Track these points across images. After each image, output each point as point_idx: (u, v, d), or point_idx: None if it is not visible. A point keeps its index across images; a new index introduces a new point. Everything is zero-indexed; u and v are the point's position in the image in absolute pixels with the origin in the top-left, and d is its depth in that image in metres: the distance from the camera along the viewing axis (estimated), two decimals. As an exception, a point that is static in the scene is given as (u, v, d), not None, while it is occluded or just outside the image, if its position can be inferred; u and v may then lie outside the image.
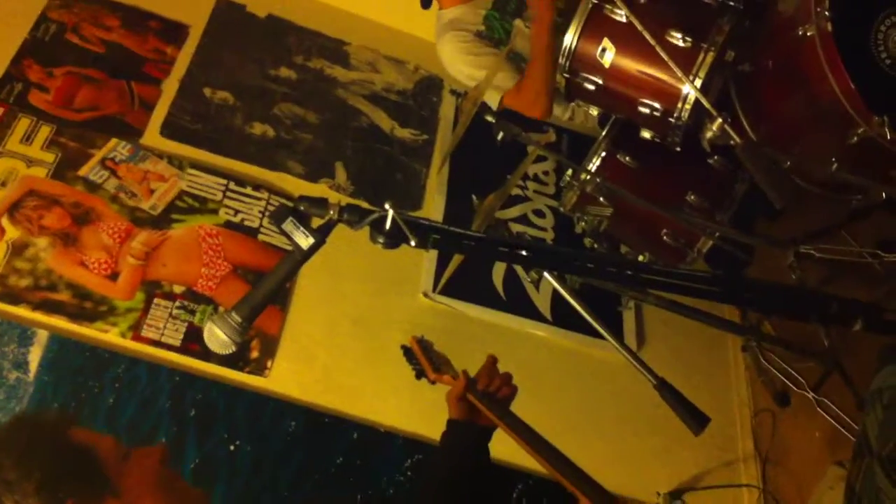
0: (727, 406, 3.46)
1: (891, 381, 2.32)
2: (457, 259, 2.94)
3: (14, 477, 1.18)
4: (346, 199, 3.46)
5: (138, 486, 1.25)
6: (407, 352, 2.19)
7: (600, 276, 1.54)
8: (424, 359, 2.13)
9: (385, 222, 1.30)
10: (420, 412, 2.99)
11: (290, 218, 1.29)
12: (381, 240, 1.30)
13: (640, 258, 2.93)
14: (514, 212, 3.63)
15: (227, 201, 3.23)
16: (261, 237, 3.19)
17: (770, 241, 2.56)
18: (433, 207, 3.53)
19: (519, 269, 3.39)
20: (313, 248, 1.30)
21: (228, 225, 3.18)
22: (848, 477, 2.45)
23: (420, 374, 2.14)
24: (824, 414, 2.81)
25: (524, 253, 1.39)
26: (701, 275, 1.44)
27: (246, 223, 3.20)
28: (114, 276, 2.93)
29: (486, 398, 1.85)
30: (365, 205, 3.15)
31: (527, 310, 3.35)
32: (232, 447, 2.75)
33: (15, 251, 2.87)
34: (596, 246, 2.82)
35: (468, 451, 1.85)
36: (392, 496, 1.52)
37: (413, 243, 1.27)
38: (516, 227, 3.56)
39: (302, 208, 1.31)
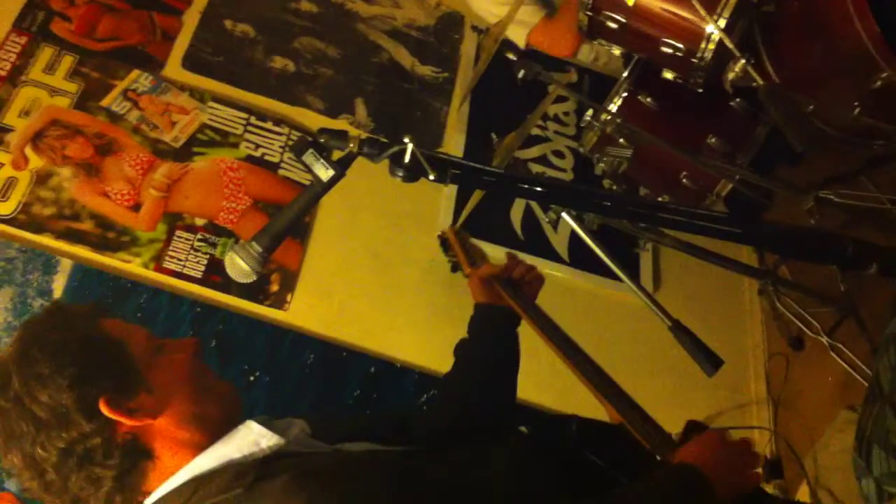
0: (741, 349, 3.48)
1: (905, 326, 2.33)
2: (476, 197, 2.95)
3: (47, 371, 1.17)
4: (366, 135, 3.49)
5: (171, 380, 1.26)
6: (443, 242, 2.14)
7: (618, 214, 1.54)
8: (461, 251, 2.09)
9: (404, 156, 1.31)
10: (436, 348, 3.01)
11: (311, 150, 1.31)
12: (400, 173, 1.31)
13: (661, 199, 2.93)
14: (533, 152, 3.62)
15: (247, 135, 3.24)
16: (281, 172, 3.20)
17: (790, 185, 2.55)
18: (453, 145, 3.53)
19: (537, 209, 3.40)
20: (333, 181, 1.31)
21: (249, 159, 3.19)
22: (859, 420, 2.48)
23: (455, 268, 2.11)
24: (837, 358, 2.82)
25: (542, 189, 1.41)
26: (718, 215, 1.45)
27: (266, 158, 3.22)
28: (136, 208, 2.96)
29: (510, 289, 1.86)
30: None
31: (544, 250, 3.36)
32: (252, 377, 2.80)
33: (39, 180, 2.90)
34: (615, 188, 2.82)
35: (498, 333, 1.88)
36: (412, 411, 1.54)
37: (432, 177, 1.28)
38: (536, 168, 3.56)
39: (322, 140, 1.33)
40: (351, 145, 1.32)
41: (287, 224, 1.35)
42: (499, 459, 1.39)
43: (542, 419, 1.72)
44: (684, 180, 2.73)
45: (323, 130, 1.33)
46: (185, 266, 2.91)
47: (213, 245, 2.97)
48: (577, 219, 2.61)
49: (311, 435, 1.30)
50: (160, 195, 3.00)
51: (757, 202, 2.55)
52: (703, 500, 1.25)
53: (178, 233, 2.96)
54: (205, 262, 2.93)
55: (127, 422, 1.19)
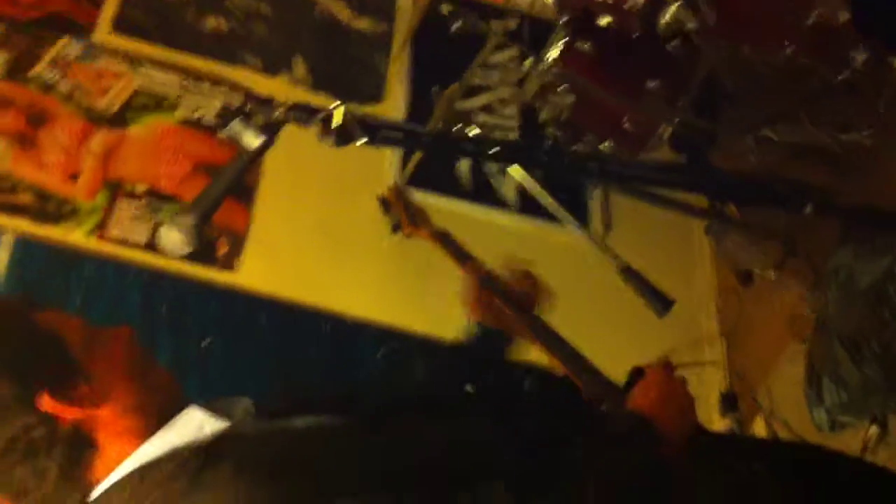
0: (692, 286, 3.53)
1: (846, 259, 2.37)
2: (415, 157, 2.95)
3: None
4: (304, 93, 3.45)
5: (109, 370, 1.23)
6: (384, 203, 2.11)
7: (559, 168, 1.54)
8: (403, 210, 2.06)
9: (333, 119, 1.28)
10: (390, 302, 3.03)
11: (238, 118, 1.28)
12: (330, 139, 1.29)
13: (604, 145, 2.93)
14: (478, 101, 3.59)
15: (184, 98, 3.18)
16: (221, 134, 3.14)
17: (729, 125, 2.56)
18: (395, 99, 3.49)
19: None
20: (262, 148, 1.29)
21: (187, 123, 3.13)
22: (808, 353, 2.54)
23: (396, 227, 2.08)
24: (784, 293, 2.87)
25: (475, 148, 1.39)
26: (652, 165, 1.45)
27: (205, 120, 3.16)
28: (74, 177, 2.91)
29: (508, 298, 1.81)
30: (324, 99, 3.14)
31: (492, 198, 3.36)
32: (204, 343, 2.77)
33: (-28, 155, 2.84)
34: (559, 135, 2.81)
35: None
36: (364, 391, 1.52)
37: (361, 142, 1.26)
38: (482, 118, 3.53)
39: (249, 109, 1.30)
40: (278, 112, 1.29)
41: (219, 194, 1.32)
42: (443, 425, 1.39)
43: (493, 373, 1.71)
44: (626, 125, 2.72)
45: (249, 98, 1.30)
46: (128, 234, 2.86)
47: (157, 211, 2.93)
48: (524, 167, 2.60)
49: (254, 413, 1.29)
50: (98, 163, 2.94)
51: (700, 142, 2.56)
52: (654, 444, 1.27)
53: (118, 201, 2.91)
54: (149, 228, 2.89)
55: (69, 412, 1.17)
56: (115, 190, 2.93)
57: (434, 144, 1.39)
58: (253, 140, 1.28)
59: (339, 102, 1.28)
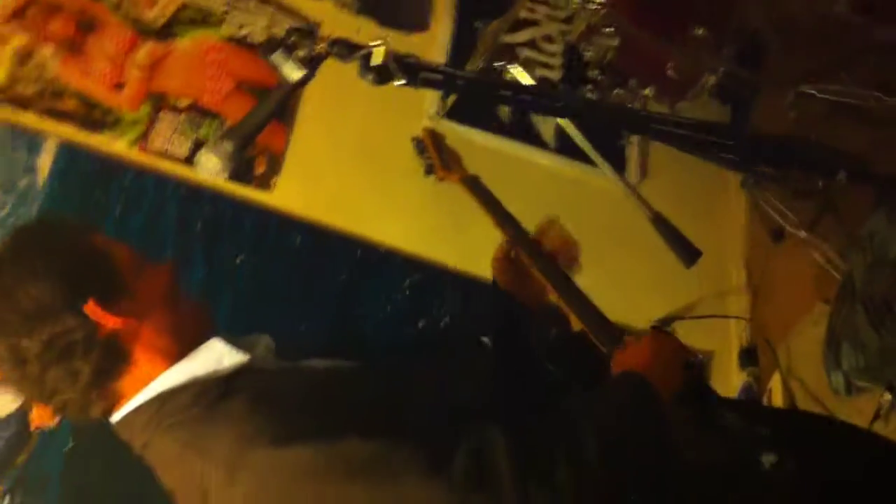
0: (724, 238, 3.53)
1: (880, 226, 2.36)
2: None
3: (40, 267, 1.22)
4: (350, 16, 3.43)
5: (151, 293, 1.31)
6: (418, 144, 2.11)
7: (593, 120, 1.54)
8: (435, 153, 2.07)
9: (374, 57, 1.30)
10: (420, 234, 3.06)
11: (280, 50, 1.30)
12: (369, 76, 1.30)
13: (646, 91, 2.91)
14: (522, 36, 3.56)
15: (230, 15, 3.18)
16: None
17: (772, 79, 2.54)
18: (440, 30, 3.47)
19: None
20: (302, 81, 1.31)
21: (232, 40, 3.15)
22: (830, 316, 2.54)
23: (430, 170, 2.08)
24: (814, 253, 2.86)
25: (516, 95, 1.41)
26: (687, 123, 1.45)
27: (250, 38, 3.17)
28: (120, 87, 2.94)
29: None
30: (370, 24, 3.10)
31: (530, 136, 3.36)
32: (238, 260, 2.84)
33: (21, 58, 2.87)
34: (601, 78, 2.79)
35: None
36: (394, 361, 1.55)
37: (400, 83, 1.28)
38: (524, 53, 3.51)
39: (292, 40, 1.32)
40: (321, 45, 1.31)
41: (259, 124, 1.35)
42: (455, 372, 1.44)
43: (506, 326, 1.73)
44: (670, 71, 2.71)
45: (292, 30, 1.32)
46: (169, 147, 2.91)
47: (198, 126, 2.97)
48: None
49: (275, 352, 1.35)
50: (143, 74, 2.97)
51: (742, 94, 2.54)
52: (644, 397, 1.29)
53: (161, 113, 2.95)
54: (189, 143, 2.93)
55: (110, 322, 1.24)
56: (159, 102, 2.96)
57: (474, 89, 1.39)
58: (294, 72, 1.30)
59: (380, 41, 1.29)
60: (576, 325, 1.57)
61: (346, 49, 1.32)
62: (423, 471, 1.10)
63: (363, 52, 1.30)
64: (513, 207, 1.96)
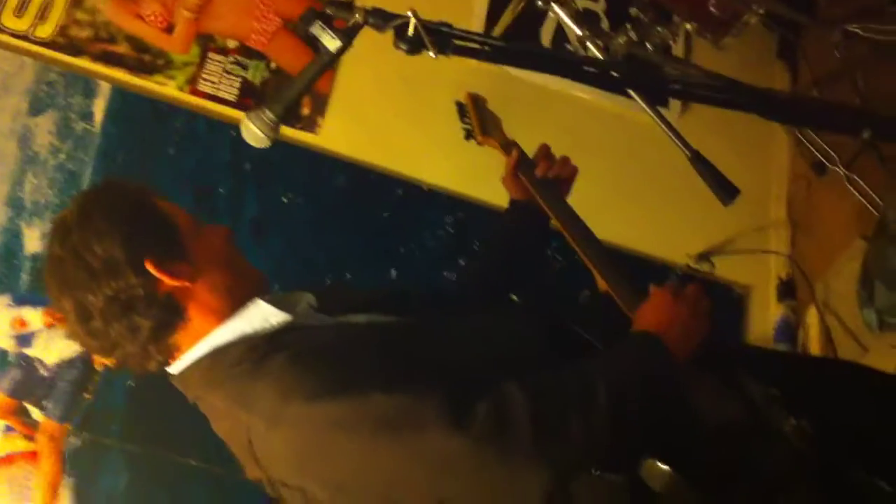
0: (765, 171, 3.53)
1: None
2: (508, 15, 2.95)
3: (104, 227, 1.32)
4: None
5: (208, 255, 1.40)
6: (460, 108, 2.16)
7: (628, 86, 1.58)
8: (476, 118, 2.12)
9: (408, 28, 1.36)
10: (462, 172, 3.11)
11: (318, 21, 1.36)
12: (403, 46, 1.37)
13: (688, 27, 2.90)
14: (565, -29, 3.54)
15: (277, -47, 3.22)
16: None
17: (816, 18, 2.52)
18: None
19: (568, 29, 3.37)
20: (341, 51, 1.38)
21: (278, -22, 3.19)
22: (864, 255, 2.57)
23: (469, 135, 2.12)
24: (853, 190, 2.87)
25: (544, 59, 1.46)
26: (711, 83, 1.49)
27: (296, -24, 3.21)
28: (169, 29, 3.01)
29: (543, 186, 1.87)
30: None
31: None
32: (286, 200, 2.92)
33: (74, 2, 2.95)
34: (642, 16, 2.79)
35: (524, 231, 1.95)
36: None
37: (431, 54, 1.34)
38: (569, -16, 3.49)
39: (329, 12, 1.38)
40: (357, 16, 1.37)
41: (299, 93, 1.43)
42: (486, 325, 1.52)
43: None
44: (712, 8, 2.70)
45: (329, 2, 1.38)
46: (219, 89, 2.99)
47: (245, 67, 3.04)
48: (604, 49, 2.62)
49: (316, 309, 1.44)
50: (192, 16, 3.04)
51: (785, 34, 2.53)
52: (659, 358, 1.37)
53: (210, 55, 3.02)
54: (238, 84, 3.01)
55: (168, 280, 1.34)
56: (207, 44, 3.03)
57: (509, 55, 1.45)
58: (332, 42, 1.37)
59: (410, 13, 1.35)
60: (601, 284, 1.63)
61: (381, 19, 1.38)
62: (445, 424, 1.18)
63: (398, 21, 1.36)
64: (551, 144, 2.01)
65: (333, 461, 1.24)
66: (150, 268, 1.32)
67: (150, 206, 1.40)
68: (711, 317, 1.48)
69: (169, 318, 1.36)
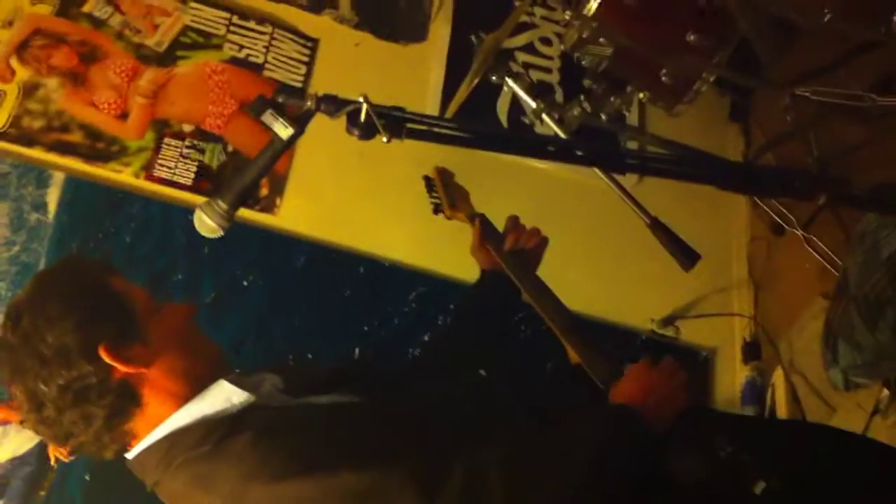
0: (724, 233, 3.57)
1: (872, 226, 2.40)
2: (461, 93, 2.96)
3: (55, 314, 1.28)
4: (349, 30, 3.45)
5: (164, 336, 1.37)
6: (428, 182, 2.18)
7: (584, 161, 1.59)
8: (444, 192, 2.14)
9: (360, 114, 1.35)
10: (424, 246, 3.11)
11: (269, 109, 1.35)
12: (355, 132, 1.36)
13: (641, 95, 2.94)
14: (520, 40, 3.61)
15: (230, 36, 3.24)
16: (266, 72, 3.21)
17: (765, 82, 2.56)
18: (438, 38, 3.51)
19: (525, 102, 3.41)
20: (292, 139, 1.37)
21: (233, 61, 3.20)
22: (826, 314, 2.58)
23: (437, 209, 2.15)
24: (812, 252, 2.90)
25: (500, 139, 1.46)
26: (667, 157, 1.50)
27: (251, 59, 3.22)
28: (124, 116, 3.00)
29: (512, 258, 1.90)
30: (368, 37, 3.09)
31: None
32: (245, 282, 2.90)
33: (26, 92, 2.94)
34: (595, 87, 2.82)
35: (493, 300, 1.95)
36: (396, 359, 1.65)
37: (384, 139, 1.33)
38: (522, 57, 3.55)
39: (280, 99, 1.37)
40: (308, 103, 1.36)
41: (251, 181, 1.40)
42: (456, 397, 1.49)
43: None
44: (664, 78, 2.73)
45: (281, 89, 1.37)
46: (175, 174, 2.97)
47: (202, 151, 3.03)
48: (559, 121, 2.64)
49: (281, 389, 1.41)
50: (147, 102, 3.03)
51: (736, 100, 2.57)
52: (636, 431, 1.35)
53: (166, 140, 3.01)
54: (194, 168, 2.99)
55: (122, 367, 1.30)
56: (163, 129, 3.02)
57: (464, 137, 1.45)
58: (284, 130, 1.36)
59: (362, 98, 1.34)
60: (572, 356, 1.63)
61: (333, 105, 1.37)
62: (416, 499, 1.16)
63: (350, 108, 1.35)
64: (509, 209, 2.02)
65: None
66: (103, 355, 1.29)
67: (105, 287, 1.37)
68: (688, 388, 1.49)
69: (124, 405, 1.32)
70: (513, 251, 1.91)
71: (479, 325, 1.92)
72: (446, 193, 2.11)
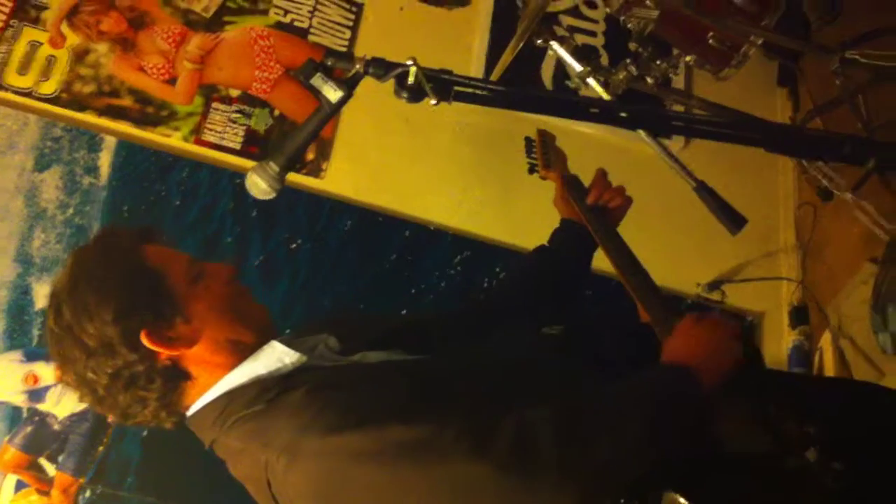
0: (772, 198, 3.52)
1: (923, 189, 2.36)
2: (506, 56, 2.96)
3: (93, 302, 1.28)
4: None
5: (207, 308, 1.37)
6: (528, 143, 2.17)
7: (629, 124, 1.59)
8: (541, 154, 2.13)
9: (408, 76, 1.36)
10: (469, 211, 3.12)
11: (318, 73, 1.37)
12: (404, 94, 1.36)
13: (688, 59, 2.91)
14: (565, 3, 3.57)
15: (276, 1, 3.25)
16: (311, 37, 3.23)
17: (815, 46, 2.53)
18: (482, 1, 3.49)
19: (570, 66, 3.39)
20: (341, 102, 1.38)
21: (279, 26, 3.22)
22: (876, 278, 2.56)
23: (532, 169, 2.13)
24: (861, 216, 2.86)
25: (546, 101, 1.46)
26: (714, 120, 1.49)
27: (296, 24, 3.24)
28: (172, 81, 3.04)
29: (593, 213, 1.88)
30: (413, 1, 3.09)
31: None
32: (293, 245, 2.93)
33: (77, 57, 2.98)
34: (641, 50, 2.80)
35: (567, 249, 1.94)
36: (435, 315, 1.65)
37: (433, 102, 1.34)
38: (567, 21, 3.52)
39: (329, 63, 1.38)
40: (357, 66, 1.37)
41: (302, 144, 1.43)
42: (513, 354, 1.50)
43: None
44: (711, 41, 2.70)
45: (329, 53, 1.38)
46: (223, 138, 3.00)
47: (249, 116, 3.06)
48: (604, 85, 2.62)
49: (334, 350, 1.43)
50: (194, 67, 3.06)
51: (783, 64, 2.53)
52: (687, 391, 1.33)
53: (214, 105, 3.04)
54: (242, 133, 3.02)
55: (166, 351, 1.32)
56: (210, 94, 3.05)
57: (511, 99, 1.45)
58: (333, 93, 1.37)
59: (411, 61, 1.35)
60: (643, 314, 1.62)
61: (382, 69, 1.38)
62: (467, 450, 1.17)
63: (398, 70, 1.36)
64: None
65: (353, 494, 1.23)
66: (145, 341, 1.30)
67: (140, 266, 1.36)
68: (740, 338, 1.44)
69: (174, 384, 1.35)
70: (594, 206, 1.90)
71: (550, 271, 1.91)
72: (543, 154, 2.11)
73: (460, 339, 1.56)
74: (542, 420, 1.21)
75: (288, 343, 1.36)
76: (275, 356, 1.35)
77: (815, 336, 3.13)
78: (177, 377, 1.34)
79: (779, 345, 3.27)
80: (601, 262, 1.86)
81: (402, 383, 1.31)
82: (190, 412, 1.37)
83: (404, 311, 2.96)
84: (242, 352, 1.36)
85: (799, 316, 3.20)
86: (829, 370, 2.94)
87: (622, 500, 1.26)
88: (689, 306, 3.27)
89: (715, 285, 3.25)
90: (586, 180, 2.03)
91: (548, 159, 2.11)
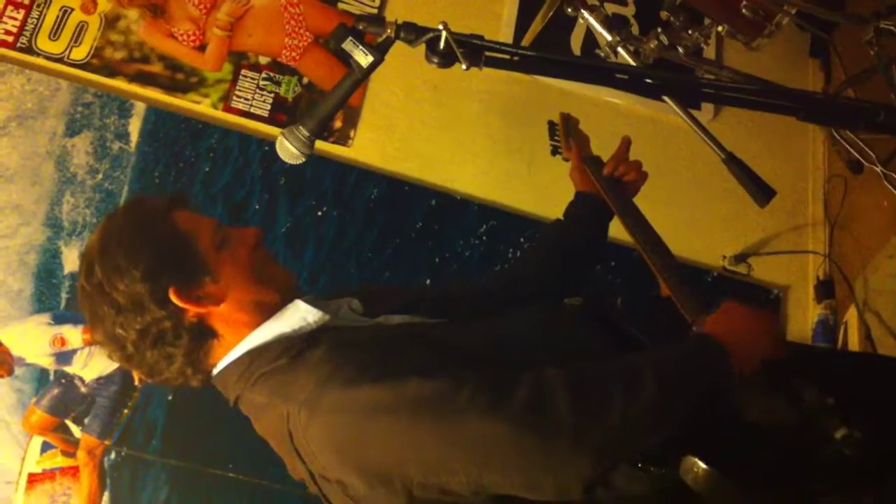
0: (801, 171, 3.50)
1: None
2: (537, 22, 2.95)
3: (124, 264, 1.33)
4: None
5: (233, 271, 1.41)
6: (551, 126, 2.19)
7: (659, 90, 1.58)
8: (564, 137, 2.15)
9: (439, 42, 1.36)
10: (495, 180, 3.12)
11: (350, 37, 1.37)
12: (435, 59, 1.37)
13: (720, 29, 2.88)
14: (594, -26, 3.54)
15: (306, -33, 3.25)
16: (341, 5, 3.22)
17: (849, 16, 2.50)
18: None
19: (600, 35, 3.37)
20: (373, 66, 1.39)
21: (309, -8, 3.22)
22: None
23: (555, 151, 2.16)
24: (890, 187, 2.84)
25: (576, 67, 1.46)
26: (745, 87, 1.48)
27: (325, -10, 3.24)
28: (202, 48, 3.05)
29: (608, 183, 1.90)
30: None
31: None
32: (319, 213, 2.95)
33: (108, 24, 3.00)
34: (672, 19, 2.78)
35: (581, 221, 1.96)
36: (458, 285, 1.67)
37: (463, 67, 1.34)
38: (597, -10, 3.49)
39: (361, 27, 1.39)
40: (388, 31, 1.38)
41: (332, 109, 1.44)
42: (533, 322, 1.52)
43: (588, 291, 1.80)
44: (744, 10, 2.68)
45: (361, 17, 1.39)
46: (251, 105, 3.02)
47: (278, 84, 3.06)
48: (634, 54, 2.61)
49: (357, 311, 1.45)
50: (224, 34, 3.07)
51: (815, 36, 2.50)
52: (718, 365, 1.32)
53: (243, 72, 3.05)
54: (270, 100, 3.03)
55: (193, 308, 1.36)
56: (240, 61, 3.06)
57: (541, 64, 1.46)
58: (364, 58, 1.38)
59: (442, 26, 1.35)
60: (663, 288, 1.63)
61: (413, 34, 1.38)
62: (484, 408, 1.19)
63: (429, 35, 1.37)
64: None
65: (372, 447, 1.25)
66: (174, 298, 1.34)
67: (170, 229, 1.40)
68: (779, 342, 1.44)
69: (201, 341, 1.38)
70: (610, 177, 1.91)
71: (568, 243, 1.93)
72: (566, 137, 2.12)
73: (481, 308, 1.58)
74: (559, 380, 1.22)
75: (312, 303, 1.39)
76: (298, 315, 1.38)
77: (840, 310, 3.12)
78: (203, 335, 1.38)
79: (804, 319, 3.26)
80: (623, 233, 1.86)
81: (421, 343, 1.34)
82: (216, 370, 1.41)
83: (428, 281, 3.00)
84: (267, 311, 1.40)
85: (825, 290, 3.19)
86: (854, 345, 2.93)
87: (639, 463, 1.27)
88: (715, 279, 3.26)
89: (741, 258, 3.24)
90: (614, 149, 2.03)
91: (569, 143, 2.12)
